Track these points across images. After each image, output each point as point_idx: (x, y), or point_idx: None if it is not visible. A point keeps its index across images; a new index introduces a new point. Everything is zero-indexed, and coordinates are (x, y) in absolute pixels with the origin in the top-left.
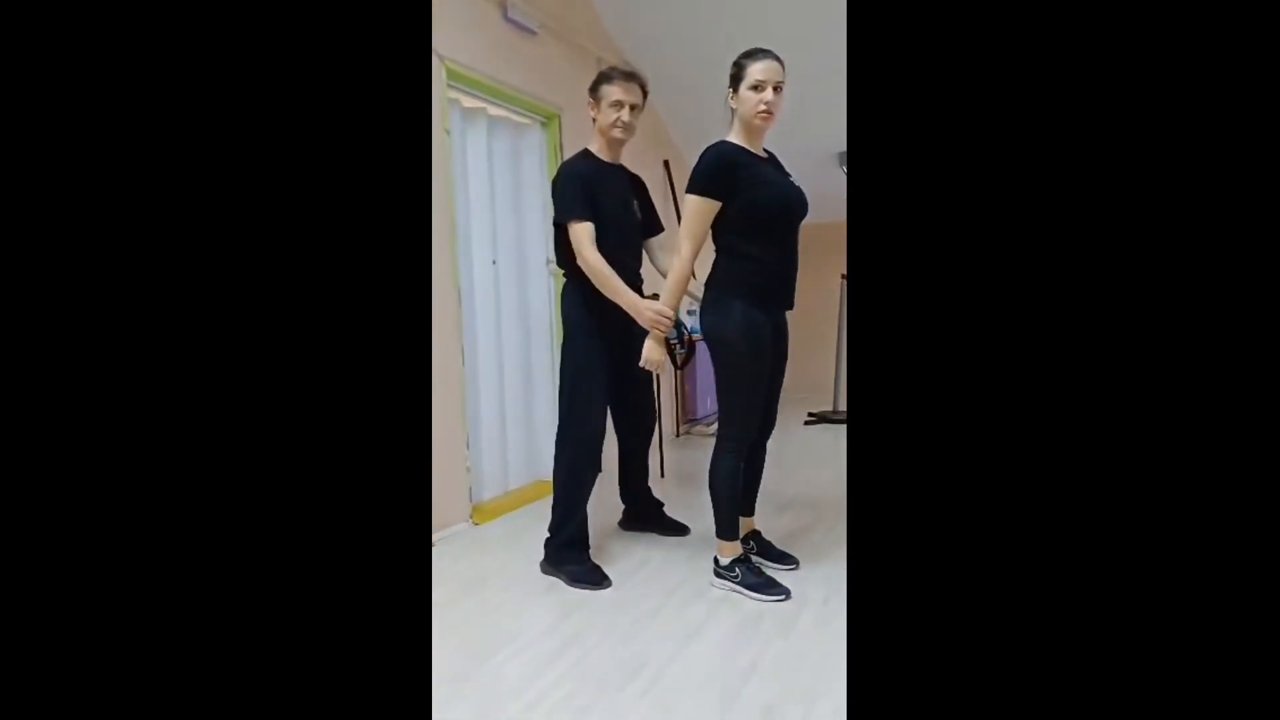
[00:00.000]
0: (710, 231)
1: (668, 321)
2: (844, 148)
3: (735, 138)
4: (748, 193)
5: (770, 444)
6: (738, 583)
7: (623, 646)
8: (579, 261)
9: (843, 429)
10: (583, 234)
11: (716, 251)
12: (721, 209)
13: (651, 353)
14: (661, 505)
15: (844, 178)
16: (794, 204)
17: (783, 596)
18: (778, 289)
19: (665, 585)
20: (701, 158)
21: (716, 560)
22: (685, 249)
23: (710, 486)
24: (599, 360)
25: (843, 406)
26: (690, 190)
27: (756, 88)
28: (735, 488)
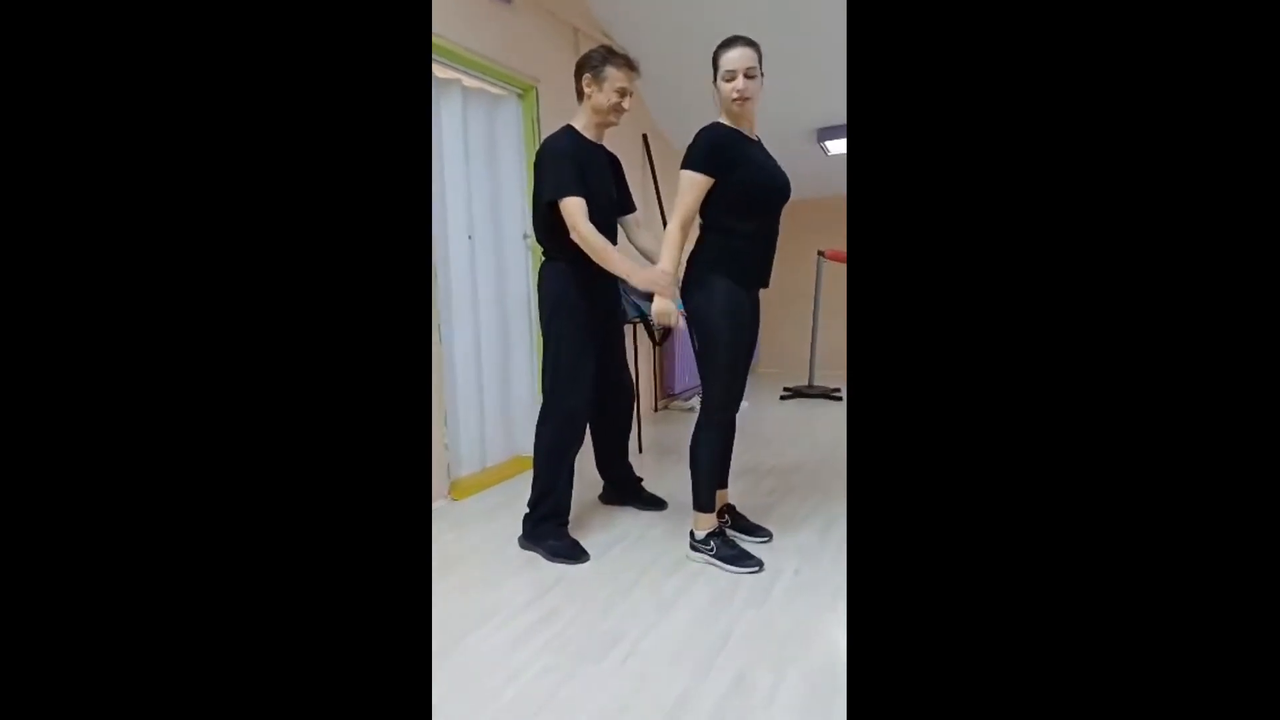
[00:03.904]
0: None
1: (667, 279)
2: (821, 125)
3: (725, 120)
4: (740, 172)
5: (745, 419)
6: (712, 555)
7: (600, 619)
8: (574, 236)
9: (816, 403)
10: (576, 209)
11: (703, 230)
12: (713, 187)
13: (661, 305)
14: (640, 480)
15: (821, 155)
16: (780, 186)
17: (755, 569)
18: (759, 268)
19: (642, 559)
20: (697, 137)
21: (692, 533)
22: (675, 220)
23: (691, 460)
24: (583, 336)
25: (818, 382)
26: (686, 166)
27: (729, 78)
28: (716, 462)
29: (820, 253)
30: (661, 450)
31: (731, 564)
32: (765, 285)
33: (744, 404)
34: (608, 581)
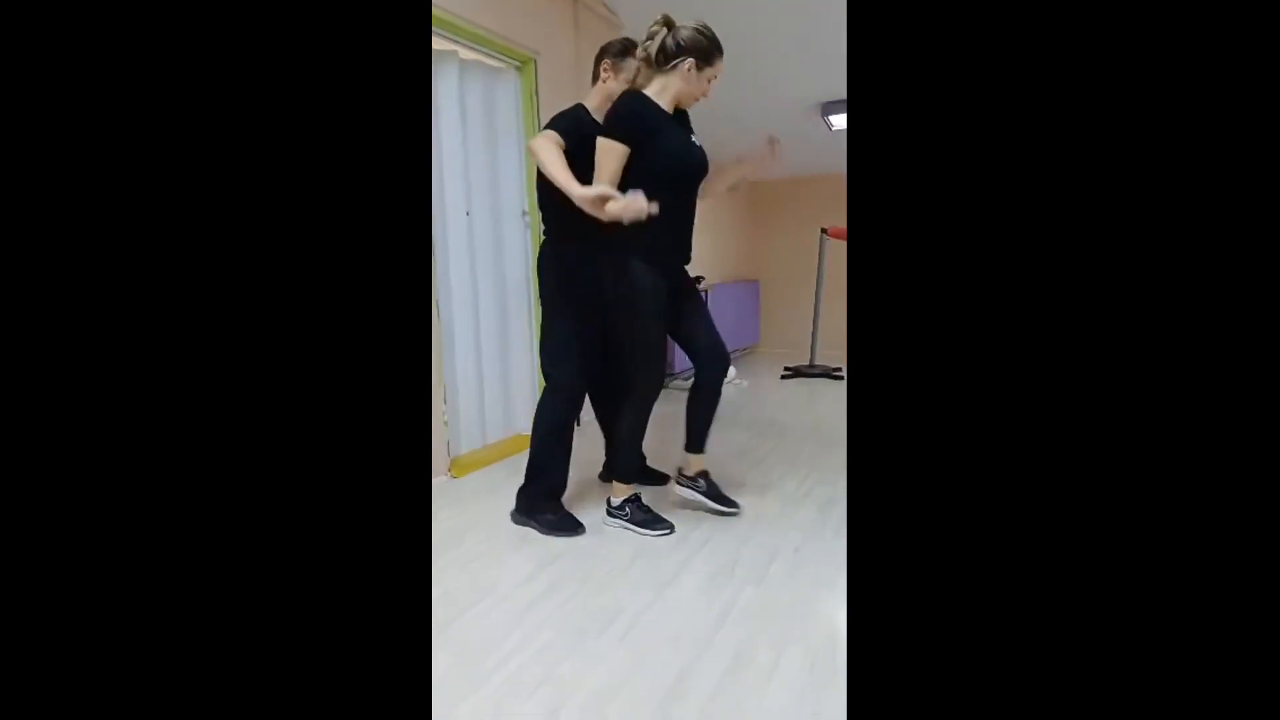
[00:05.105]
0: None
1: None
2: (825, 99)
3: (658, 94)
4: (657, 147)
5: (747, 397)
6: (627, 520)
7: (599, 595)
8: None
9: (817, 382)
10: (550, 142)
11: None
12: (630, 162)
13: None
14: (644, 457)
15: (825, 129)
16: (696, 163)
17: (666, 531)
18: (675, 246)
19: (641, 534)
20: (615, 105)
21: (609, 501)
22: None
23: (618, 435)
24: (579, 314)
25: (819, 361)
26: (603, 134)
27: (711, 78)
28: (640, 439)
29: (823, 230)
30: (662, 427)
31: (644, 528)
32: (686, 261)
33: (744, 383)
34: (607, 558)
